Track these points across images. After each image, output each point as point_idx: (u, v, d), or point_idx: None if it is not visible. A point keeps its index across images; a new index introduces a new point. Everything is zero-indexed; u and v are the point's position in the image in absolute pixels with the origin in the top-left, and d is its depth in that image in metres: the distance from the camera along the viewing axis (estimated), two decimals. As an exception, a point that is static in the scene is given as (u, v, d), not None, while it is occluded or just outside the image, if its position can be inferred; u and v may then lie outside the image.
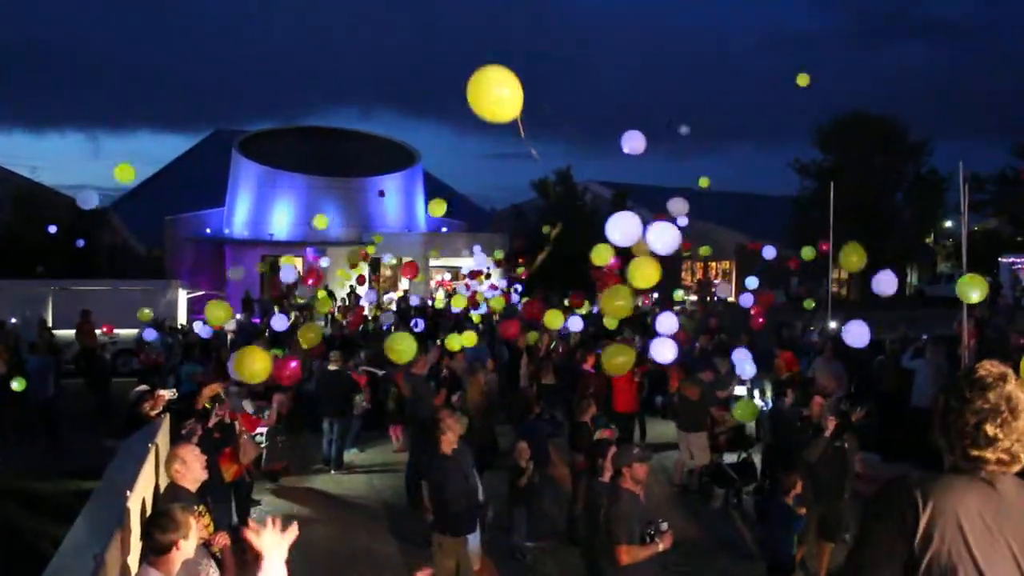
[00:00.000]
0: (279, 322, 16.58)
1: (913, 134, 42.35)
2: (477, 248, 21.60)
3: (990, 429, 2.20)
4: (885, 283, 10.39)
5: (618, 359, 8.67)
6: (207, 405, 8.92)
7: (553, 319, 14.02)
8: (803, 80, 15.35)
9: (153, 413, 8.97)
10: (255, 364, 6.99)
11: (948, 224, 46.18)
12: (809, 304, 20.28)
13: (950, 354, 13.18)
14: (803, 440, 9.06)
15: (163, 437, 7.82)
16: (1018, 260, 41.08)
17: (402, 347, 8.79)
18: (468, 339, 13.48)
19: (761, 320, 16.85)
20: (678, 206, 13.93)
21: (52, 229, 25.69)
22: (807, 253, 18.75)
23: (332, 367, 13.09)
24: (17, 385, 13.02)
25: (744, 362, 11.18)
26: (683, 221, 13.29)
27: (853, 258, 10.58)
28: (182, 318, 24.07)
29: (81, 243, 27.20)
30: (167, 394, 9.55)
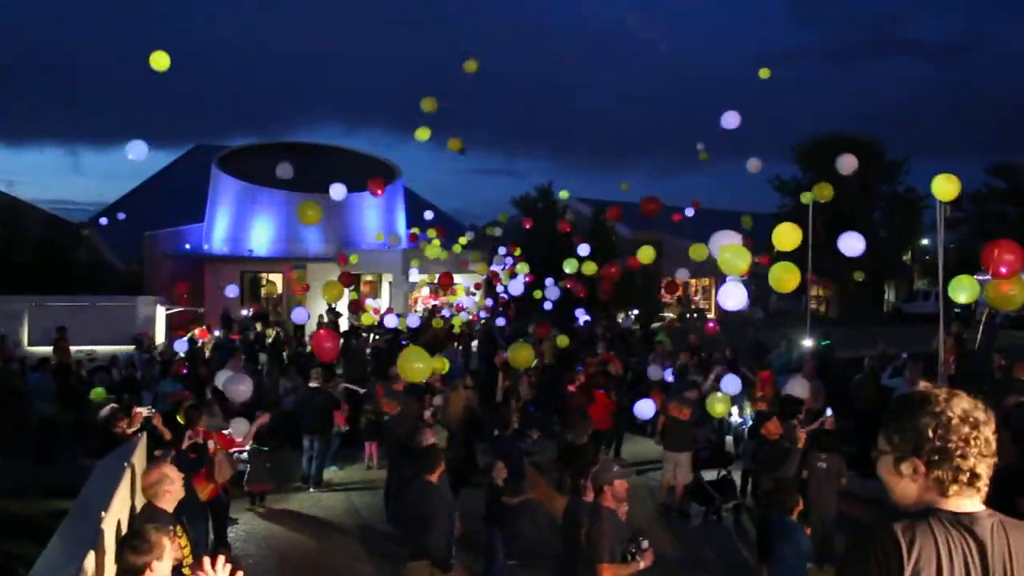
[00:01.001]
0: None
1: (891, 152, 42.84)
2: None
3: (959, 446, 2.17)
4: (851, 244, 10.51)
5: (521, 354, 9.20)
6: (180, 420, 8.85)
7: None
8: (764, 73, 15.91)
9: (131, 431, 8.87)
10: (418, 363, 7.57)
11: (925, 242, 46.65)
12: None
13: (929, 372, 13.25)
14: (779, 456, 9.09)
15: (139, 457, 7.72)
16: (994, 277, 41.45)
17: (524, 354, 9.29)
18: (441, 365, 13.23)
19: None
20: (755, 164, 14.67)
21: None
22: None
23: (313, 384, 13.01)
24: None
25: (730, 381, 11.24)
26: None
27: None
28: (160, 335, 23.88)
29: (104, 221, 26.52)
30: (144, 411, 9.47)
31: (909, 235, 43.97)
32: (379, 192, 19.90)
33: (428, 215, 33.28)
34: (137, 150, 13.20)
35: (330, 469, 13.44)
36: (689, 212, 22.56)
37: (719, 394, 11.24)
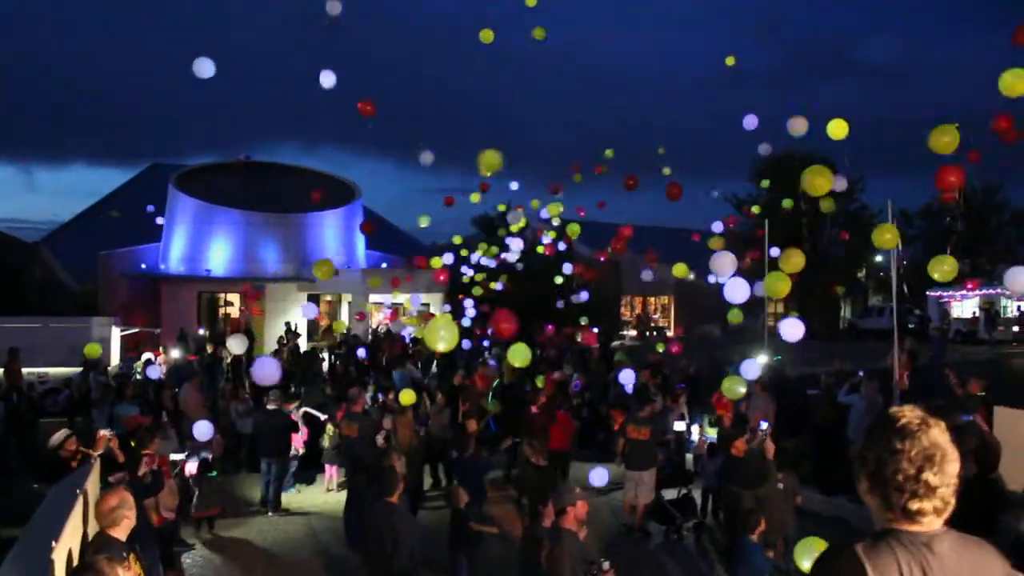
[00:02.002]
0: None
1: (844, 171, 43.49)
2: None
3: (930, 477, 2.22)
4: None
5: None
6: (132, 443, 8.70)
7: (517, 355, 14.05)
8: (730, 61, 16.29)
9: (95, 454, 8.68)
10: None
11: (879, 258, 47.49)
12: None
13: (884, 388, 13.45)
14: (757, 473, 9.15)
15: (92, 483, 7.57)
16: (945, 294, 42.34)
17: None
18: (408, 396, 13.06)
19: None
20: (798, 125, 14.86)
21: None
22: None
23: (271, 407, 12.84)
24: None
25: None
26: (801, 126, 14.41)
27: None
28: (115, 356, 23.48)
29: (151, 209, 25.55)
30: (107, 433, 9.26)
31: (863, 252, 44.67)
32: (370, 232, 19.47)
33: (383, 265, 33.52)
34: (203, 67, 12.79)
35: (289, 492, 13.29)
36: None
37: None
